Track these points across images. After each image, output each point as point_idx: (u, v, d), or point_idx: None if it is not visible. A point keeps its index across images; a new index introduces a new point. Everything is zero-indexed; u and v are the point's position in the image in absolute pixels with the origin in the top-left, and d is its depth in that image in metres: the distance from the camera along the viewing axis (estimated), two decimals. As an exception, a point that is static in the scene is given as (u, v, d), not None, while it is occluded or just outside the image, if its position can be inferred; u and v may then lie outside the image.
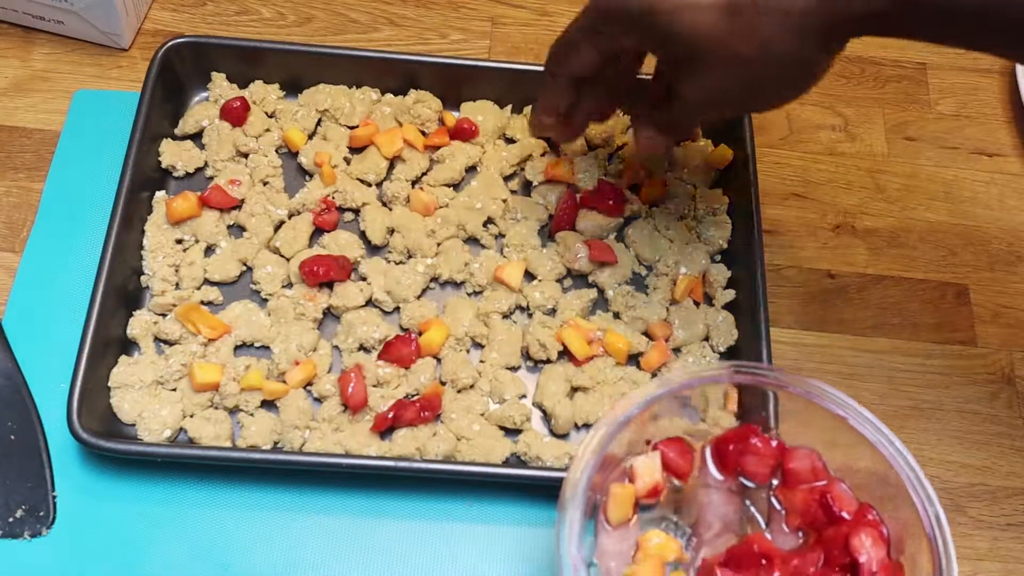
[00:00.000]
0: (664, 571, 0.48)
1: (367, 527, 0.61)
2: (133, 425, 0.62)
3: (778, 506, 0.52)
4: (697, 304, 0.69)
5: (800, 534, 0.51)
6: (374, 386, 0.64)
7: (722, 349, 0.67)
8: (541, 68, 0.74)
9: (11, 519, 0.60)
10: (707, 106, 0.58)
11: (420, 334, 0.65)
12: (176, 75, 0.72)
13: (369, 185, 0.71)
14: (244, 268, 0.68)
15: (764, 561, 0.48)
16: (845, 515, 0.50)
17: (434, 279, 0.69)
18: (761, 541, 0.49)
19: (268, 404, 0.63)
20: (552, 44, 0.61)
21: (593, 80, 0.61)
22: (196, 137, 0.72)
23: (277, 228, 0.69)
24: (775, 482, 0.52)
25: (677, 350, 0.67)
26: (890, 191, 0.78)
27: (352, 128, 0.73)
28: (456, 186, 0.72)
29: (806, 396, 0.52)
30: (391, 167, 0.72)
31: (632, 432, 0.51)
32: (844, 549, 0.48)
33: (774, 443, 0.52)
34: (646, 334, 0.67)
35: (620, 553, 0.49)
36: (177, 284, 0.67)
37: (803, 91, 0.56)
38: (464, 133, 0.73)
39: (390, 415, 0.62)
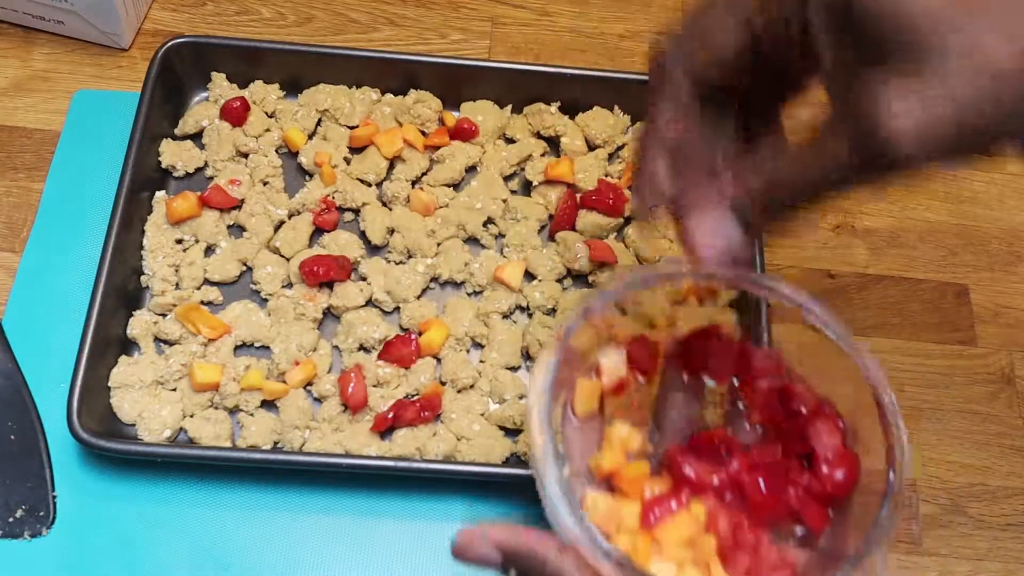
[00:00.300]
0: (626, 460, 0.49)
1: (367, 527, 0.61)
2: (133, 425, 0.62)
3: (739, 404, 0.53)
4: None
5: (759, 429, 0.52)
6: (374, 386, 0.64)
7: (723, 349, 0.67)
8: (541, 68, 0.75)
9: (11, 519, 0.60)
10: (923, 145, 0.34)
11: (420, 334, 0.65)
12: (176, 75, 0.72)
13: (369, 185, 0.71)
14: (244, 268, 0.68)
15: (725, 451, 0.49)
16: (803, 409, 0.50)
17: (434, 279, 0.69)
18: (721, 433, 0.50)
19: (268, 404, 0.63)
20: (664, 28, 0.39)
21: (725, 95, 0.39)
22: (196, 137, 0.72)
23: (277, 228, 0.69)
24: (736, 381, 0.53)
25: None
26: (890, 191, 0.78)
27: (352, 128, 0.73)
28: (456, 186, 0.72)
29: (767, 296, 0.52)
30: (391, 167, 0.72)
31: (598, 329, 0.51)
32: (801, 440, 0.49)
33: (736, 342, 0.53)
34: (646, 334, 0.67)
35: (586, 449, 0.50)
36: (177, 284, 0.67)
37: None
38: (464, 133, 0.73)
39: (390, 415, 0.62)
